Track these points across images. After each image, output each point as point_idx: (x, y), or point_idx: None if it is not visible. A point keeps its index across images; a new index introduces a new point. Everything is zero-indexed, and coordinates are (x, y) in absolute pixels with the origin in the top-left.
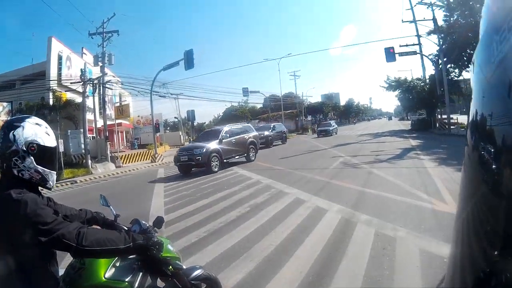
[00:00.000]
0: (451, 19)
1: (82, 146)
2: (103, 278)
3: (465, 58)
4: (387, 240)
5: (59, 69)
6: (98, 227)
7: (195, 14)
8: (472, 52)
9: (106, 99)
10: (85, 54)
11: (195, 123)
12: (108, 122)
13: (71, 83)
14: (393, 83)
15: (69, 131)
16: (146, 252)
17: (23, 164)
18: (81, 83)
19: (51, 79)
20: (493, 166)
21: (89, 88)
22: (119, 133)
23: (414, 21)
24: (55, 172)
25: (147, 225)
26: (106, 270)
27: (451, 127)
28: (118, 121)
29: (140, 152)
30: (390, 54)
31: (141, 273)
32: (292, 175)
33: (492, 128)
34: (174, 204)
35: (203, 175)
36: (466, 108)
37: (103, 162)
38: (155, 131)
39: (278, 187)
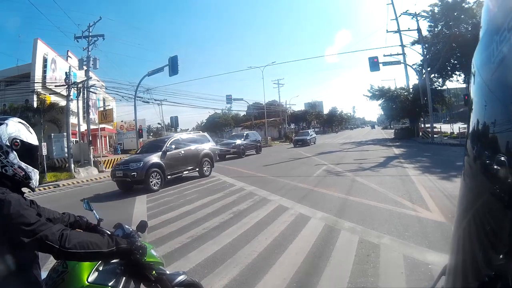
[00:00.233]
0: (436, 29)
1: (65, 150)
2: (86, 282)
3: (448, 68)
4: (371, 247)
5: (44, 71)
6: (81, 231)
7: (180, 20)
8: (455, 62)
9: (90, 103)
10: (70, 57)
11: (178, 129)
12: (92, 127)
13: (55, 86)
14: (376, 92)
15: (52, 134)
16: (129, 256)
17: (7, 159)
18: (65, 87)
19: (35, 81)
20: (502, 174)
21: (73, 91)
22: (102, 137)
23: (398, 31)
24: (38, 171)
25: (131, 229)
26: (89, 274)
27: (434, 136)
28: (101, 125)
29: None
30: (374, 64)
31: (124, 278)
32: (275, 182)
33: (496, 136)
34: (157, 210)
35: (187, 181)
36: (449, 117)
37: (86, 166)
38: (139, 137)
39: (261, 194)
